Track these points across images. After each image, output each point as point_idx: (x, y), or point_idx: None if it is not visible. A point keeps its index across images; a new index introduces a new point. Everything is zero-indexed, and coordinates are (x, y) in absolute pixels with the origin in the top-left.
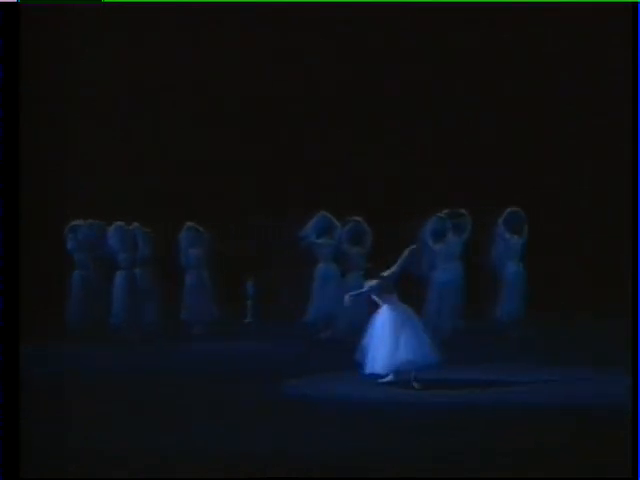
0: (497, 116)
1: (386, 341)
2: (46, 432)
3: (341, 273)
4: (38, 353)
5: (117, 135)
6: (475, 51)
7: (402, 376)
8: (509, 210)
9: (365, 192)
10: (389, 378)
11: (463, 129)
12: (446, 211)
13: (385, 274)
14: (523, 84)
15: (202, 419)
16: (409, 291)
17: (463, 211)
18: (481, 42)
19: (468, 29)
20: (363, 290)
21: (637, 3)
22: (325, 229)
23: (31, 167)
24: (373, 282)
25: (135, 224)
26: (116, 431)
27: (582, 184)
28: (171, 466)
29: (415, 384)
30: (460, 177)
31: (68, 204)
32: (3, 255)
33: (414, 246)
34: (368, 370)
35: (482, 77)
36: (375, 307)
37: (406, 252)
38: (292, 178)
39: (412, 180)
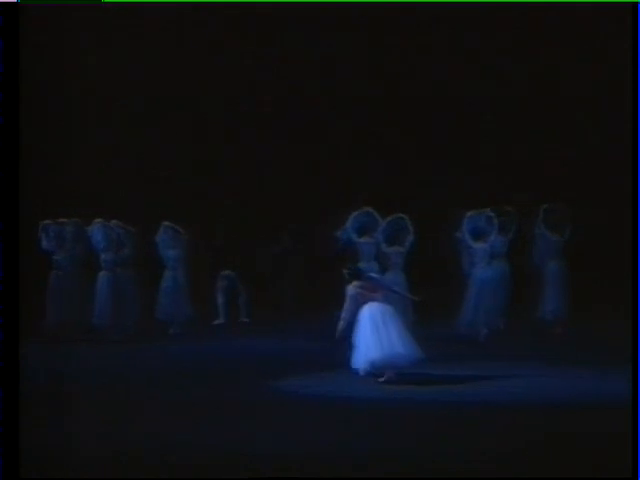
0: (496, 116)
1: (367, 339)
2: (46, 432)
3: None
4: (38, 353)
5: (117, 135)
6: (475, 51)
7: (399, 374)
8: (545, 207)
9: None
10: (386, 377)
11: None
12: (489, 209)
13: (373, 275)
14: (522, 84)
15: (200, 418)
16: (450, 288)
17: (509, 209)
18: (481, 42)
19: (468, 29)
20: (346, 307)
21: (637, 3)
22: (367, 227)
23: (31, 166)
24: (351, 289)
25: (113, 221)
26: (115, 431)
27: (581, 184)
28: (171, 466)
29: (382, 378)
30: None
31: (69, 203)
32: (3, 255)
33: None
34: (353, 365)
35: (478, 77)
36: None
37: (406, 294)
38: (292, 178)
39: (447, 178)
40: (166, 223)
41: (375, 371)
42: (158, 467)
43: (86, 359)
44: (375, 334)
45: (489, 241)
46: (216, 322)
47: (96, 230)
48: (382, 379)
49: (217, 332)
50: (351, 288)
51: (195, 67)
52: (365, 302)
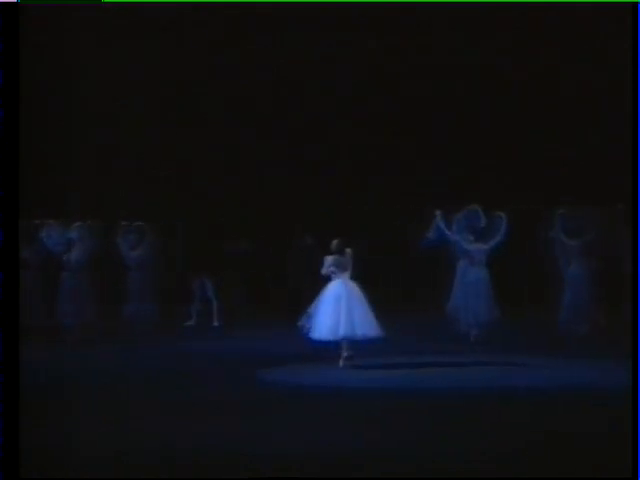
0: (494, 116)
1: (334, 311)
2: (46, 432)
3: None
4: (38, 354)
5: (117, 135)
6: (475, 51)
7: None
8: (619, 207)
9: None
10: (347, 355)
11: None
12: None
13: (348, 250)
14: (521, 84)
15: (199, 417)
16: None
17: (619, 206)
18: (481, 42)
19: (468, 29)
20: (325, 267)
21: (637, 3)
22: (467, 225)
23: (30, 166)
24: (329, 259)
25: (78, 223)
26: (115, 431)
27: (581, 184)
28: (171, 466)
29: (345, 360)
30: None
31: (71, 202)
32: (2, 255)
33: None
34: (314, 335)
35: (475, 77)
36: None
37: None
38: (292, 178)
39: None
40: (124, 223)
41: (331, 339)
42: (158, 467)
43: (82, 359)
44: (336, 308)
45: (584, 238)
46: (187, 324)
47: (50, 232)
48: (344, 355)
49: (212, 333)
50: (329, 258)
51: (195, 67)
52: (338, 276)
